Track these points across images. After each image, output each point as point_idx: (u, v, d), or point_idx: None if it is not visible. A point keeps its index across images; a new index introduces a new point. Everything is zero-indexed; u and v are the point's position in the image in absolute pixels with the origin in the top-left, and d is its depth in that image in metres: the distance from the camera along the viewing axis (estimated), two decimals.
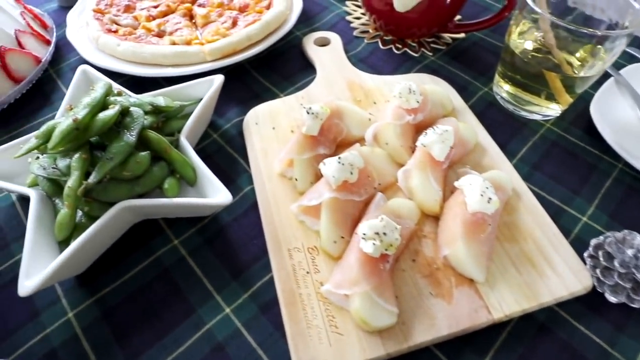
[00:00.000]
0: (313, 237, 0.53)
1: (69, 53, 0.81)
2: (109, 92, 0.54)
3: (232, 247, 0.54)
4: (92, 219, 0.52)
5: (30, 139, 0.53)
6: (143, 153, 0.52)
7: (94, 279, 0.52)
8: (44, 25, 0.81)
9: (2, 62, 0.68)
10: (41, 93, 0.74)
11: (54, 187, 0.53)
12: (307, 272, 0.50)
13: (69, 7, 0.90)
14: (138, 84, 0.71)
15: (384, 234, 0.47)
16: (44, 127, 0.52)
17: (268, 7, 0.81)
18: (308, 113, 0.57)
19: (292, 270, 0.50)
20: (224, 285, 0.51)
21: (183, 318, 0.49)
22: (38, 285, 0.44)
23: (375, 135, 0.61)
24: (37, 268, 0.45)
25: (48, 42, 0.77)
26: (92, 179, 0.49)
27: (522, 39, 0.63)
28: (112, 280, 0.52)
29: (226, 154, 0.64)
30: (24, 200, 0.59)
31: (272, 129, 0.64)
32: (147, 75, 0.69)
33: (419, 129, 0.61)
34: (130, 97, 0.57)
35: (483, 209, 0.49)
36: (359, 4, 0.91)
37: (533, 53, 0.62)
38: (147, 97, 0.58)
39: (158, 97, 0.58)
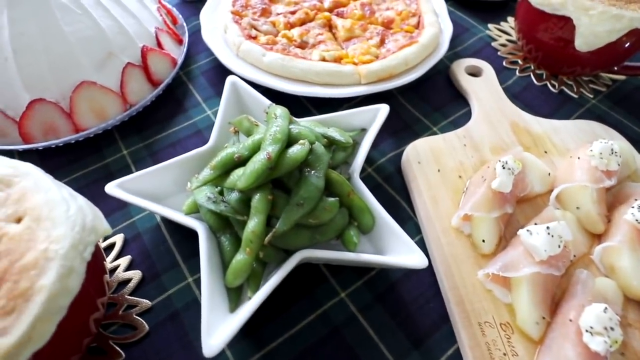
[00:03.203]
0: (504, 310, 0.47)
1: (198, 54, 0.76)
2: (290, 121, 0.48)
3: (407, 309, 0.49)
4: (262, 263, 0.46)
5: (204, 170, 0.47)
6: (332, 200, 0.46)
7: (260, 326, 0.46)
8: (174, 21, 0.75)
9: (144, 63, 0.63)
10: (173, 97, 0.69)
11: (221, 221, 0.47)
12: (504, 354, 0.44)
13: (192, 2, 0.84)
14: (271, 97, 0.64)
15: (611, 328, 0.41)
16: (220, 158, 0.47)
17: (417, 25, 0.73)
18: (504, 168, 0.50)
19: (486, 349, 0.44)
20: (404, 354, 0.45)
21: None
22: (223, 345, 0.39)
23: (562, 197, 0.54)
24: (214, 321, 0.40)
25: (180, 41, 0.72)
26: (280, 226, 0.43)
27: None
28: (279, 332, 0.47)
29: (385, 194, 0.58)
30: (169, 221, 0.53)
31: (438, 172, 0.58)
32: (299, 94, 0.63)
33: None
34: (299, 126, 0.51)
35: None
36: (503, 28, 0.83)
37: None
38: (319, 128, 0.52)
39: (332, 130, 0.51)
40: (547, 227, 0.46)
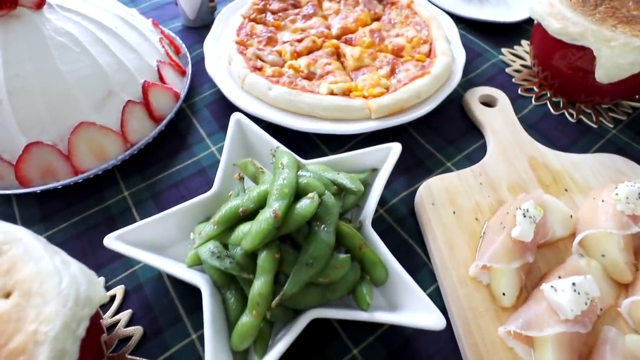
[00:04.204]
0: None
1: (202, 85, 0.73)
2: (297, 167, 0.46)
3: None
4: (270, 322, 0.43)
5: (207, 225, 0.45)
6: (343, 257, 0.43)
7: None
8: (177, 51, 0.73)
9: (145, 99, 0.60)
10: (176, 132, 0.66)
11: (225, 276, 0.45)
12: None
13: (195, 28, 0.82)
14: (277, 132, 0.62)
15: None
16: (224, 212, 0.44)
17: (428, 54, 0.71)
18: (524, 216, 0.47)
19: None
20: None
21: None
22: None
23: (586, 243, 0.51)
24: None
25: (183, 73, 0.69)
26: (288, 288, 0.41)
27: None
28: None
29: (398, 237, 0.55)
30: None
31: (453, 214, 0.55)
32: (307, 131, 0.60)
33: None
34: (307, 171, 0.48)
35: None
36: (517, 53, 0.80)
37: None
38: (328, 173, 0.49)
39: (342, 176, 0.49)
40: (573, 284, 0.43)
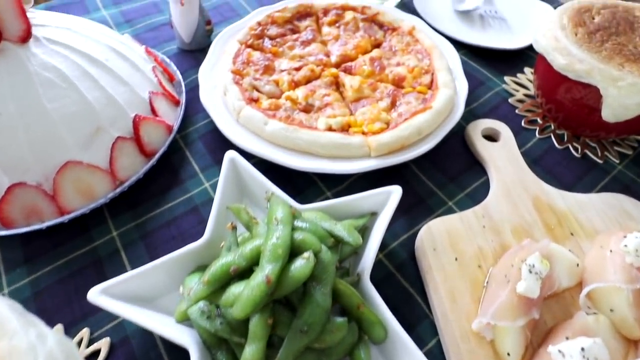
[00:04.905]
0: None
1: (197, 114, 0.71)
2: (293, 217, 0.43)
3: None
4: None
5: (197, 285, 0.42)
6: (340, 320, 0.41)
7: None
8: (171, 78, 0.70)
9: (136, 134, 0.58)
10: (168, 165, 0.64)
11: (216, 337, 0.42)
12: None
13: (190, 51, 0.79)
14: (274, 167, 0.60)
15: None
16: (214, 270, 0.42)
17: (430, 85, 0.68)
18: (530, 272, 0.45)
19: None
20: None
21: None
22: None
23: (593, 296, 0.49)
24: None
25: (177, 102, 0.67)
26: (281, 356, 0.38)
27: None
28: None
29: (398, 285, 0.52)
30: None
31: (455, 260, 0.53)
32: (303, 170, 0.58)
33: None
34: (303, 223, 0.46)
35: None
36: (520, 81, 0.78)
37: None
38: (326, 223, 0.47)
39: (339, 227, 0.46)
40: (582, 349, 0.41)
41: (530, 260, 0.46)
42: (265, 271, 0.38)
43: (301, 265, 0.40)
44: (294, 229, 0.44)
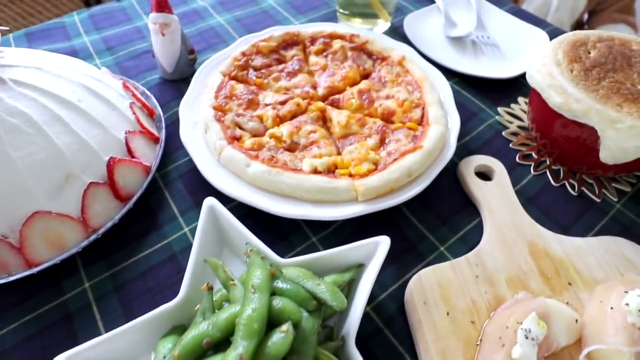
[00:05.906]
0: None
1: (177, 151, 0.68)
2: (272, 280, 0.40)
3: None
4: None
5: (167, 359, 0.39)
6: None
7: None
8: (151, 113, 0.67)
9: (110, 179, 0.55)
10: (146, 208, 0.61)
11: None
12: None
13: (172, 81, 0.76)
14: (257, 210, 0.57)
15: None
16: (185, 343, 0.39)
17: (420, 120, 0.66)
18: (527, 338, 0.42)
19: None
20: None
21: None
22: None
23: (594, 356, 0.46)
24: None
25: (156, 140, 0.64)
26: None
27: None
28: None
29: (386, 343, 0.49)
30: None
31: (447, 315, 0.50)
32: (286, 216, 0.55)
33: None
34: (283, 280, 0.43)
35: None
36: (514, 112, 0.76)
37: None
38: (308, 282, 0.44)
39: (323, 289, 0.43)
40: None
41: (526, 325, 0.44)
42: (239, 349, 0.35)
43: (279, 339, 0.37)
44: (273, 292, 0.41)
